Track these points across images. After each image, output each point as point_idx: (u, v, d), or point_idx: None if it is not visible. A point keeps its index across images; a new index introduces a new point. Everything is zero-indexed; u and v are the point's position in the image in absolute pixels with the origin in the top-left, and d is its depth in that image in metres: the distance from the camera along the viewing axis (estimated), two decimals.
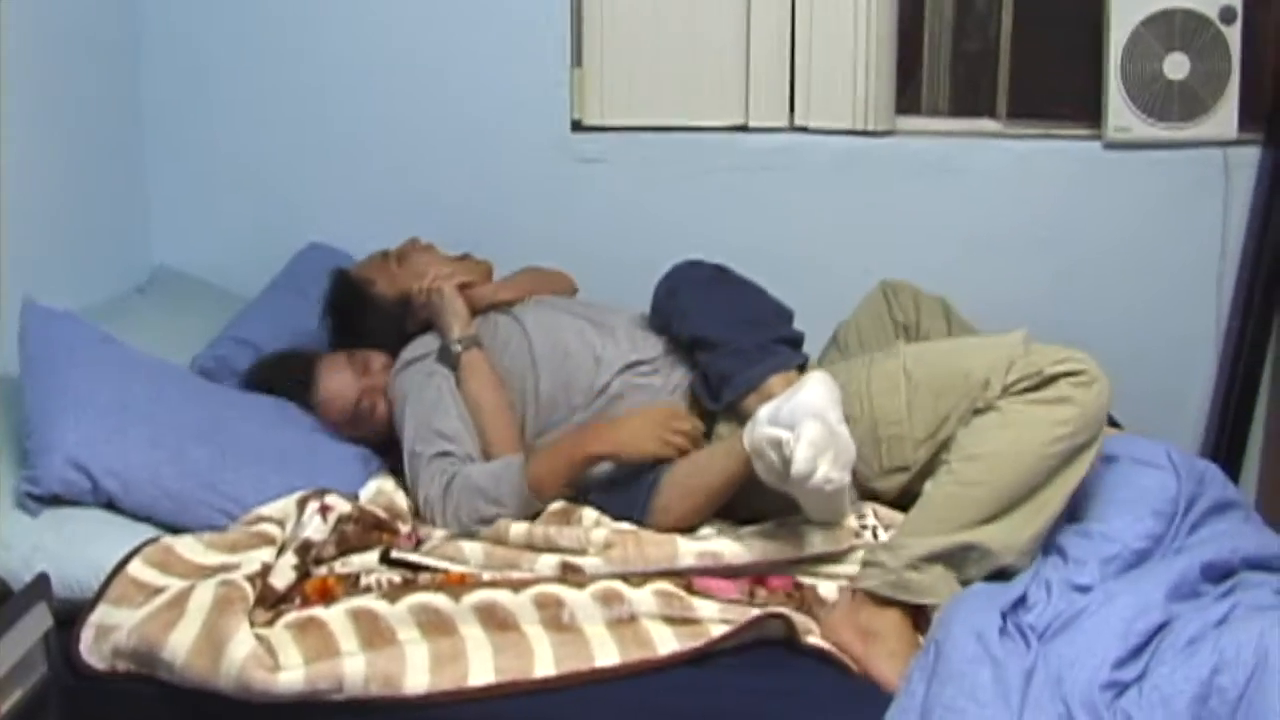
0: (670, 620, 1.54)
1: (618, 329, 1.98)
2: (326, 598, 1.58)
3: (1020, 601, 1.54)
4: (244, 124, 2.49)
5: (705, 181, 2.47)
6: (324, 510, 1.69)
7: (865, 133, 2.41)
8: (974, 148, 2.42)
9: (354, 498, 1.80)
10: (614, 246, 2.46)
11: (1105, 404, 1.63)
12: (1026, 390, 1.62)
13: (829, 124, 2.41)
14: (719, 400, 1.83)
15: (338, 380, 1.99)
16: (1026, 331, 1.71)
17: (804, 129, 2.43)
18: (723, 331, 1.85)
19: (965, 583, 1.59)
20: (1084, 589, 1.56)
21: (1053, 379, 1.61)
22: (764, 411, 1.62)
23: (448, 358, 1.96)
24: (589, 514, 1.75)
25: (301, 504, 1.71)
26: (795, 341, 1.90)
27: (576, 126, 2.48)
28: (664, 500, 1.72)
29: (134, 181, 2.45)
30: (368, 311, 2.10)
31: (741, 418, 1.75)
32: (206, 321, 2.22)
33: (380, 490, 1.86)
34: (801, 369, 1.83)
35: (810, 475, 1.53)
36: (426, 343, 2.03)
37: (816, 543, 1.65)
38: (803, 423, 1.54)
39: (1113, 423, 1.88)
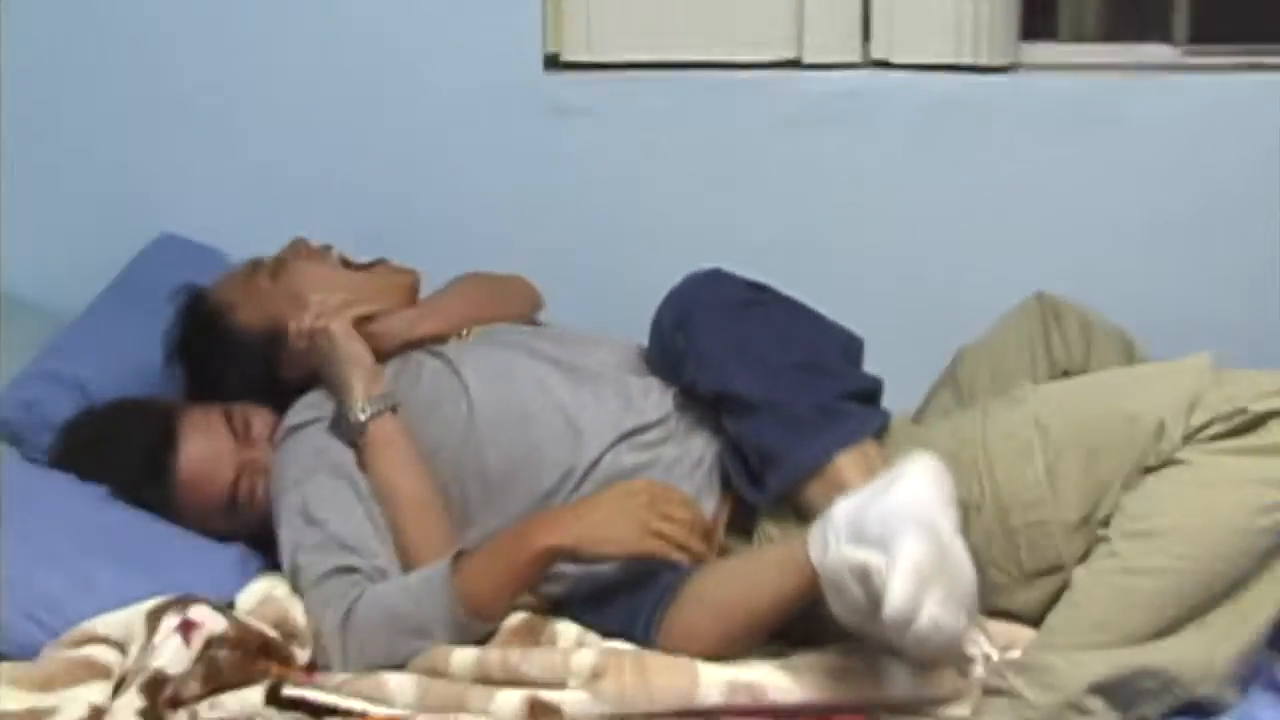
0: None
1: (602, 378, 1.98)
2: None
3: None
4: (60, 65, 2.51)
5: (740, 142, 2.51)
6: (186, 627, 1.68)
7: (975, 68, 2.45)
8: (1136, 88, 2.46)
9: (229, 608, 1.80)
10: (602, 238, 2.52)
11: None
12: (1222, 437, 1.61)
13: (921, 56, 2.45)
14: (764, 489, 1.82)
15: (207, 448, 2.00)
16: (1214, 354, 1.70)
17: (885, 64, 2.48)
18: (764, 387, 1.82)
19: None
20: None
21: (1262, 419, 1.61)
22: (843, 517, 1.58)
23: (346, 428, 1.96)
24: (567, 629, 1.78)
25: (153, 618, 1.70)
26: (870, 394, 1.89)
27: (552, 63, 2.52)
28: (687, 620, 1.72)
29: None
30: (224, 351, 2.10)
31: (800, 511, 1.75)
32: (5, 350, 2.23)
33: (268, 598, 1.86)
34: (880, 433, 1.83)
35: (912, 619, 1.49)
36: (315, 402, 2.03)
37: (902, 683, 1.64)
38: (901, 539, 1.50)
39: None
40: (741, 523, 1.88)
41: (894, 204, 2.50)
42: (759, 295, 1.94)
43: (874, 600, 1.49)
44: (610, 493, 1.82)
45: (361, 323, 2.05)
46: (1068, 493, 1.68)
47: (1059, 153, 2.47)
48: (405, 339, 2.08)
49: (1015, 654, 1.68)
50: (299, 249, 2.17)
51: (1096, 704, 1.57)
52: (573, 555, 1.77)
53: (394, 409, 1.97)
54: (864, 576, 1.51)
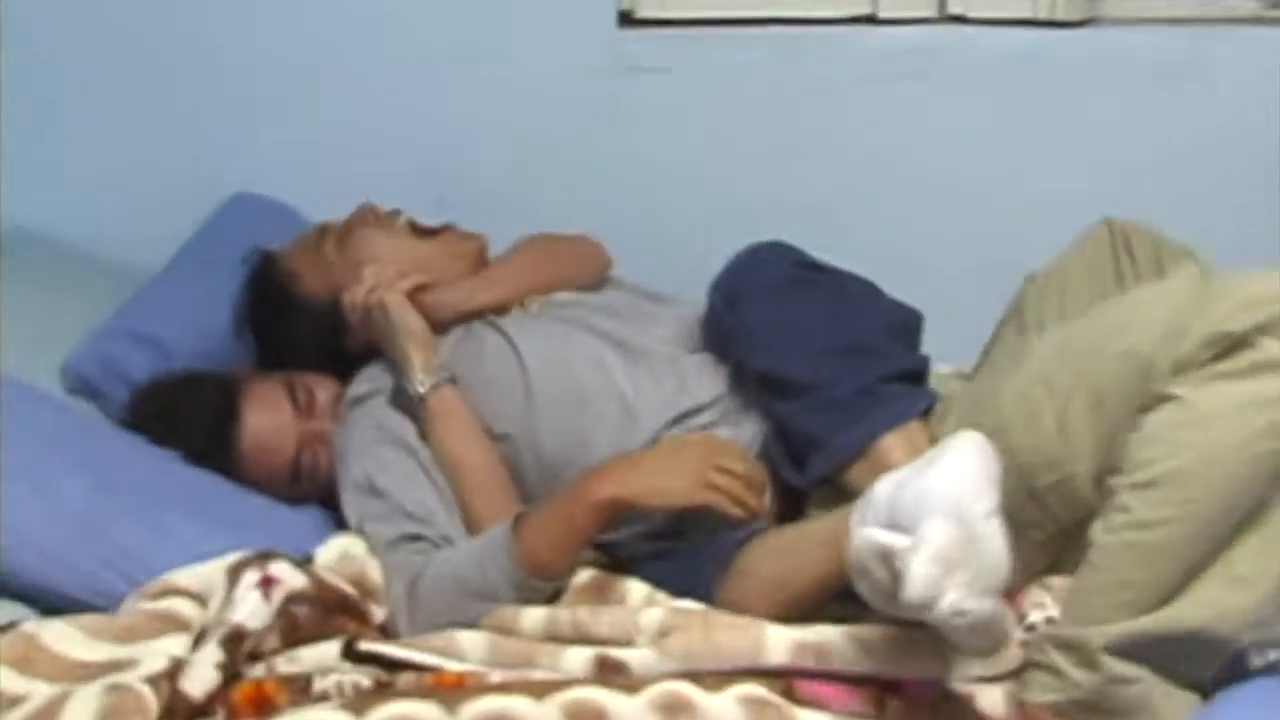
0: None
1: (658, 357, 2.00)
2: (264, 710, 1.61)
3: None
4: (133, 20, 2.55)
5: (814, 99, 2.53)
6: (266, 583, 1.71)
7: (1052, 23, 2.46)
8: (1218, 42, 2.45)
9: (308, 564, 1.84)
10: (674, 196, 2.54)
11: None
12: (1211, 362, 1.57)
13: (997, 11, 2.48)
14: (807, 472, 1.85)
15: (268, 421, 2.04)
16: (1205, 264, 1.67)
17: (961, 19, 2.49)
18: (808, 369, 1.84)
19: (1203, 692, 1.59)
20: None
21: (1247, 338, 1.55)
22: (880, 496, 1.57)
23: (406, 401, 1.99)
24: (636, 588, 1.82)
25: (233, 573, 1.73)
26: (916, 374, 1.90)
27: (626, 19, 2.53)
28: (738, 592, 1.78)
29: None
30: (290, 320, 2.13)
31: (846, 495, 1.74)
32: (85, 307, 2.29)
33: (346, 555, 1.91)
34: (926, 414, 1.84)
35: (931, 603, 1.47)
36: (376, 374, 2.06)
37: (965, 660, 1.64)
38: (927, 521, 1.48)
39: None
40: (790, 510, 1.89)
41: (969, 161, 2.50)
42: (809, 274, 1.95)
43: (897, 582, 1.48)
44: (666, 445, 1.87)
45: (418, 293, 2.06)
46: (1082, 443, 1.65)
47: (1137, 109, 2.46)
48: (461, 310, 2.10)
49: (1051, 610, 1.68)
50: (365, 215, 2.19)
51: (1139, 672, 1.58)
52: (629, 507, 1.79)
53: (452, 380, 1.99)
54: (887, 558, 1.50)
